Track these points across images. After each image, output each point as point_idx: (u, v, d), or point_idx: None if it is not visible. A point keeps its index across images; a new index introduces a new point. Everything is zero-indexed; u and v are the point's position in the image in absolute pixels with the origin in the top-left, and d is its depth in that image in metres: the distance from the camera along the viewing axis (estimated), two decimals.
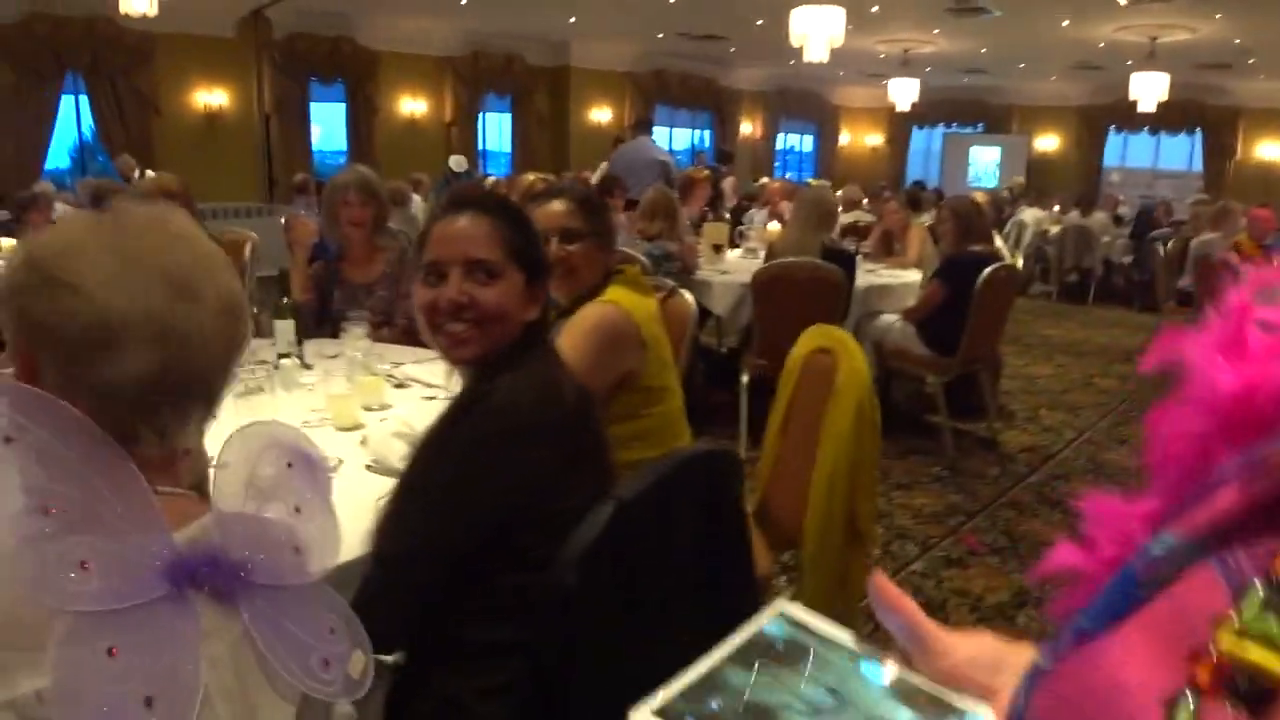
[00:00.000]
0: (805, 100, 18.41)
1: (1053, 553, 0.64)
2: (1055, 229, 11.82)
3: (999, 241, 6.09)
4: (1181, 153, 15.66)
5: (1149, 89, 12.24)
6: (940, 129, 18.42)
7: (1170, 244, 9.33)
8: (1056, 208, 12.91)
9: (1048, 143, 16.96)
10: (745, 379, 4.83)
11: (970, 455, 5.15)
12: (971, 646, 0.60)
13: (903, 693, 0.56)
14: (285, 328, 3.00)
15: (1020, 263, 5.96)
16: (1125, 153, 16.41)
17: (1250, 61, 13.16)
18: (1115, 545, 0.59)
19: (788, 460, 2.52)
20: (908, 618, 0.58)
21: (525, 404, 1.52)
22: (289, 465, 1.05)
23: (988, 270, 4.92)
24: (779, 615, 0.58)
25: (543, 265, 1.72)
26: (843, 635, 0.58)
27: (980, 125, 18.07)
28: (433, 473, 1.50)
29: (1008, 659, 0.59)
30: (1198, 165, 15.46)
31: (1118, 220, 12.47)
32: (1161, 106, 12.77)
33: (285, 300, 3.13)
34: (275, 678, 0.95)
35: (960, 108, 17.91)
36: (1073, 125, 16.75)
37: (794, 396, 2.54)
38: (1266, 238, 8.44)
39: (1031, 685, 0.50)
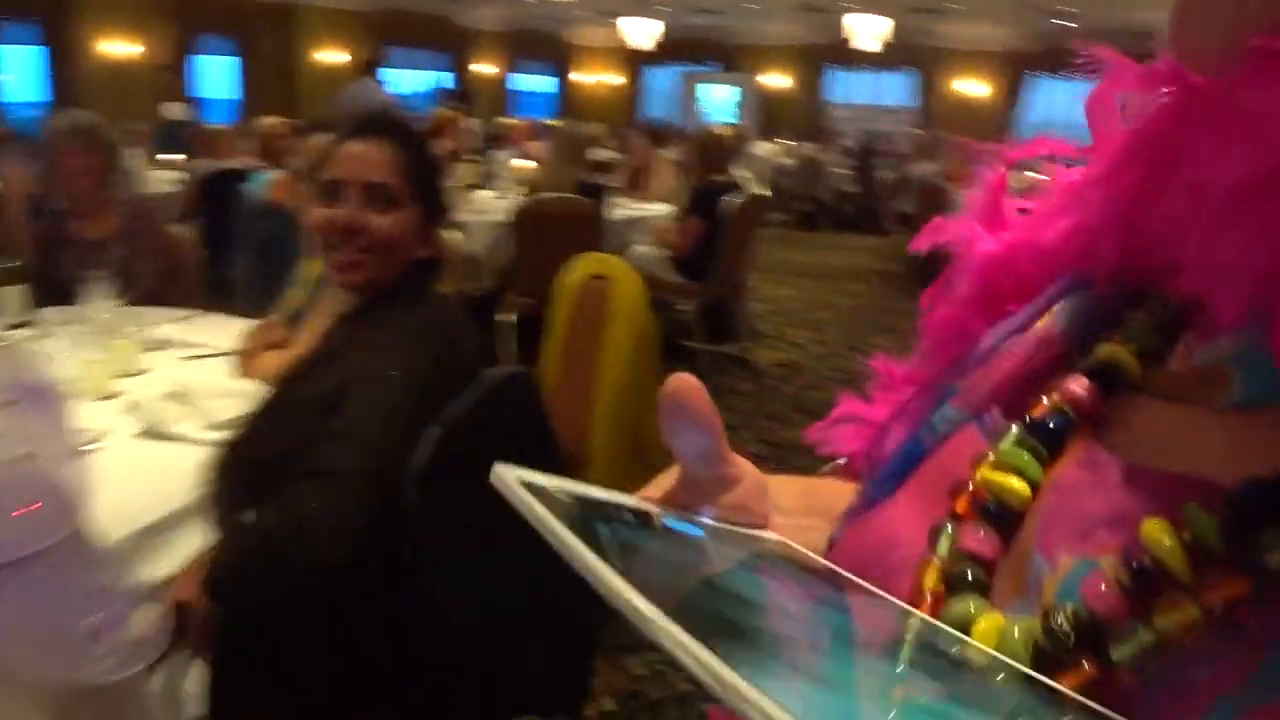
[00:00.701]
0: (543, 40, 18.32)
1: (840, 404, 0.70)
2: (788, 162, 12.48)
3: (742, 173, 6.39)
4: (898, 89, 16.82)
5: (866, 29, 13.02)
6: (677, 69, 18.85)
7: (891, 172, 10.09)
8: (785, 142, 13.63)
9: (777, 80, 17.75)
10: (513, 318, 4.84)
11: (726, 374, 5.43)
12: (749, 471, 0.50)
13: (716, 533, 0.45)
14: (11, 295, 2.73)
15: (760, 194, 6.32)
16: (848, 90, 17.42)
17: (956, 6, 14.23)
18: (890, 405, 0.63)
19: (568, 385, 2.57)
20: (715, 434, 0.46)
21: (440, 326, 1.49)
22: (13, 403, 0.87)
23: (740, 199, 5.16)
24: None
25: (442, 205, 1.65)
26: (603, 491, 0.45)
27: (716, 65, 18.63)
28: (375, 384, 1.39)
29: (765, 480, 0.51)
30: (912, 101, 16.67)
31: (844, 152, 13.31)
32: (881, 45, 13.63)
33: (8, 265, 2.84)
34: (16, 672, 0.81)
35: (697, 48, 18.37)
36: (798, 64, 17.60)
37: (570, 323, 2.58)
38: (975, 164, 9.33)
39: (827, 552, 0.51)
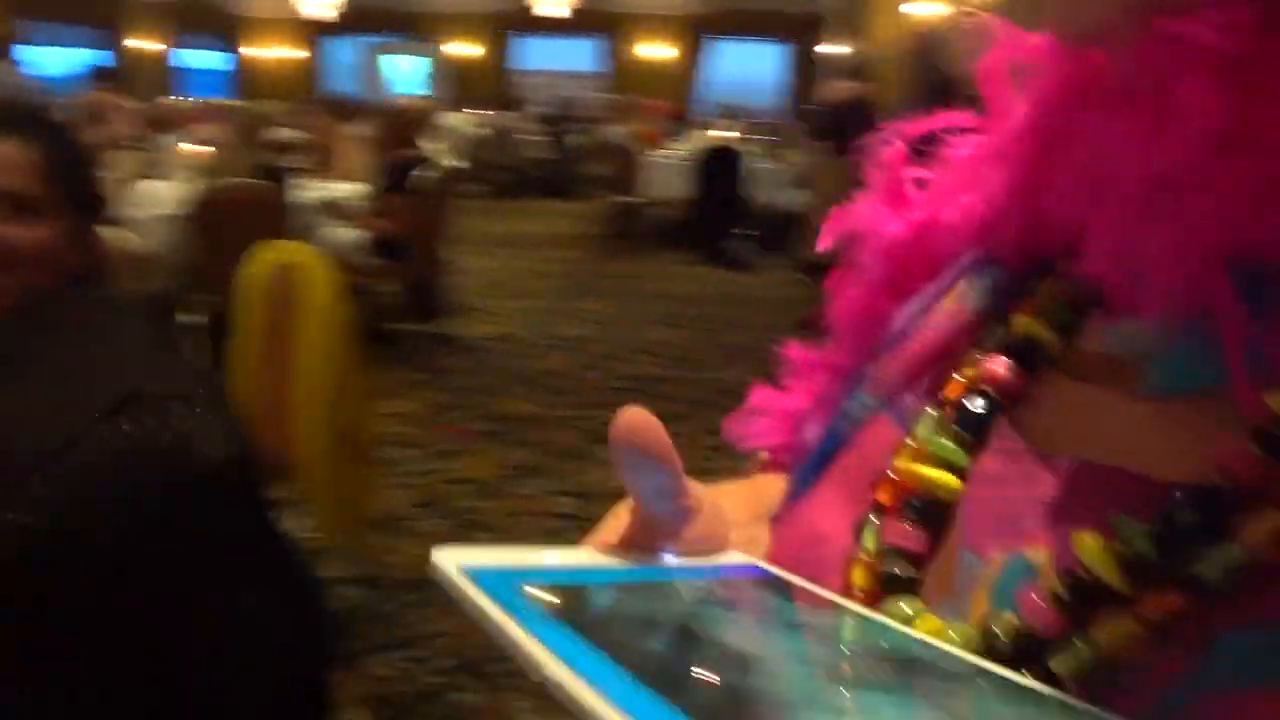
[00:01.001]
0: (210, 12, 17.00)
1: (754, 396, 0.66)
2: (482, 131, 12.37)
3: (433, 145, 6.25)
4: (584, 55, 17.06)
5: None
6: (360, 40, 18.12)
7: (584, 137, 10.24)
8: (475, 112, 13.50)
9: (465, 49, 17.49)
10: (203, 319, 4.46)
11: (438, 354, 5.32)
12: (704, 494, 0.44)
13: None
14: None
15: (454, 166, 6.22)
16: (537, 57, 17.46)
17: None
18: (804, 393, 0.61)
19: (263, 388, 2.38)
20: (675, 471, 0.40)
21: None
22: None
23: (433, 174, 5.04)
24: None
25: (96, 204, 1.43)
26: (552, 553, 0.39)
27: (400, 35, 18.06)
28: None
29: (717, 499, 0.46)
30: (599, 66, 16.97)
31: (537, 120, 13.36)
32: (573, 11, 13.71)
33: None
34: None
35: (380, 18, 17.70)
36: (485, 32, 17.41)
37: (258, 319, 2.40)
38: (664, 124, 9.65)
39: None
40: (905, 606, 0.37)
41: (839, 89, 5.92)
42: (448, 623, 2.67)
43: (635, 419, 0.39)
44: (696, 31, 16.60)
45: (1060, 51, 0.42)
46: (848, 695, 0.30)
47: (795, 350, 0.65)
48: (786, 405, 0.64)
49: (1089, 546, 0.33)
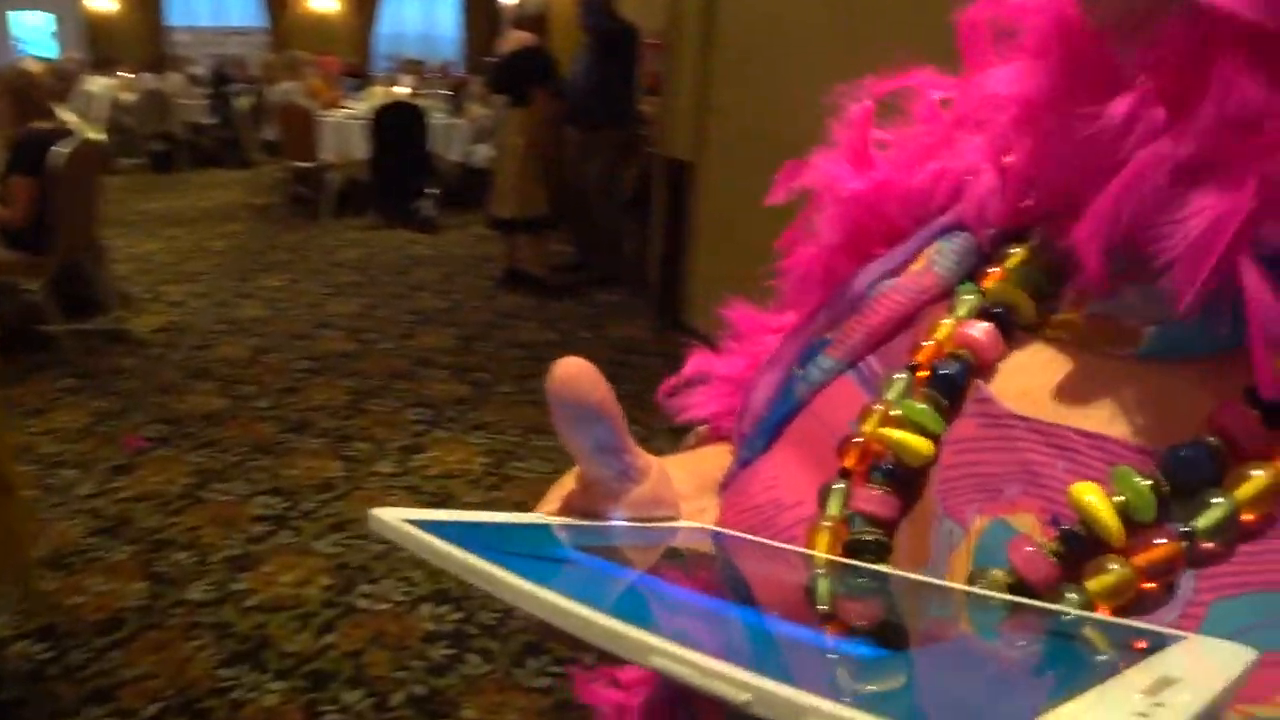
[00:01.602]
0: None
1: (691, 361, 0.63)
2: (129, 97, 11.17)
3: (70, 115, 5.52)
4: (244, 8, 15.85)
5: None
6: None
7: (249, 98, 9.50)
8: (123, 74, 12.19)
9: (102, 3, 15.73)
10: None
11: (101, 354, 4.75)
12: (651, 457, 0.44)
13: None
14: None
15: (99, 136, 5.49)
16: (189, 11, 16.03)
17: None
18: (746, 357, 0.59)
19: None
20: (616, 424, 0.39)
21: None
22: None
23: (67, 148, 4.43)
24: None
25: None
26: (499, 515, 0.39)
27: None
28: None
29: (658, 461, 0.45)
30: (261, 21, 15.83)
31: (194, 81, 12.26)
32: None
33: None
34: None
35: None
36: None
37: None
38: (339, 80, 9.14)
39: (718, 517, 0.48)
40: (874, 567, 0.37)
41: (516, 39, 5.81)
42: (154, 660, 2.41)
43: (570, 369, 0.38)
44: None
45: (1057, 17, 0.39)
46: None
47: (738, 311, 0.62)
48: (727, 370, 0.61)
49: (1086, 498, 0.33)
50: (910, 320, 0.45)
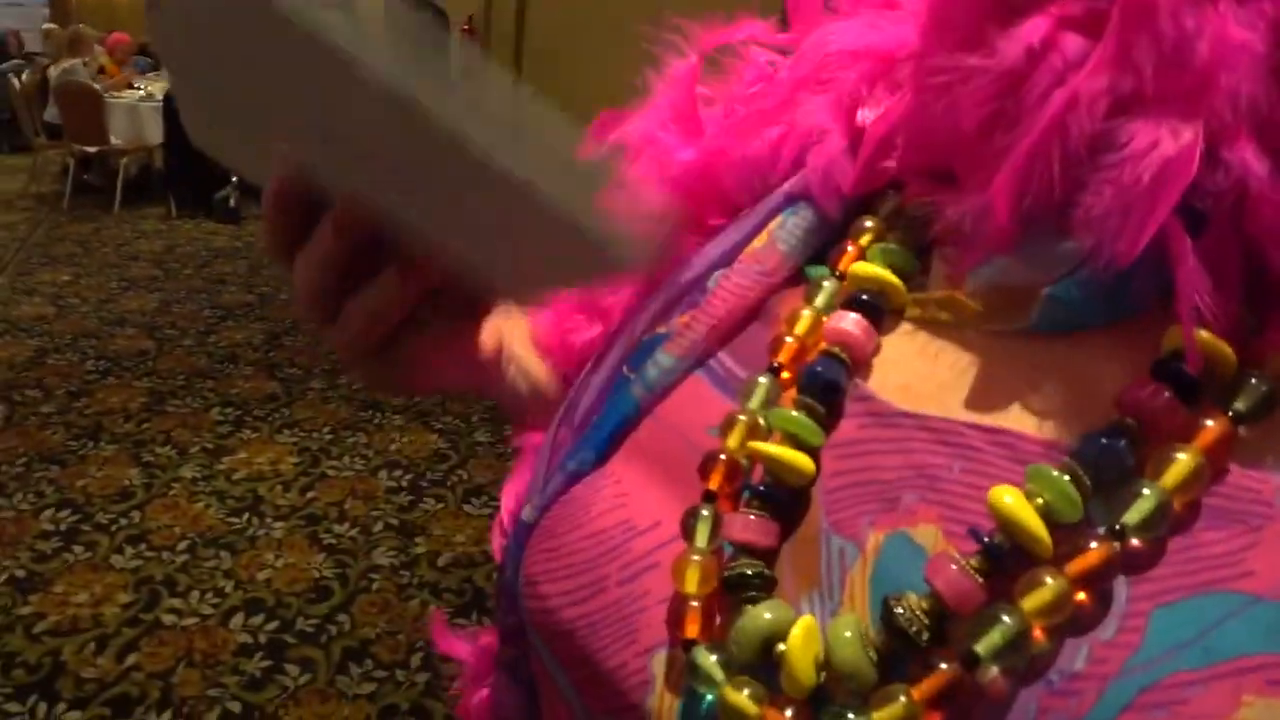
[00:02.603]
0: None
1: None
2: None
3: None
4: None
5: None
6: None
7: (27, 76, 8.75)
8: None
9: None
10: None
11: None
12: None
13: None
14: None
15: None
16: None
17: None
18: (569, 363, 0.53)
19: None
20: None
21: None
22: None
23: None
24: None
25: None
26: None
27: None
28: None
29: None
30: None
31: None
32: None
33: None
34: None
35: None
36: None
37: None
38: (128, 59, 8.54)
39: (522, 540, 0.41)
40: (767, 612, 0.31)
41: None
42: None
43: None
44: None
45: None
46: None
47: (540, 321, 0.55)
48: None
49: (1009, 504, 0.29)
50: (759, 309, 0.41)
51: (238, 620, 2.58)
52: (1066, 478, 0.29)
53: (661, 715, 0.34)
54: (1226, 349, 0.29)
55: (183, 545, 2.92)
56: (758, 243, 0.42)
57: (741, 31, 0.47)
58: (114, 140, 7.51)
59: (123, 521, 3.04)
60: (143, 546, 2.91)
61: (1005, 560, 0.29)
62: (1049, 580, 0.28)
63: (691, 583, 0.34)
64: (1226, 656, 0.26)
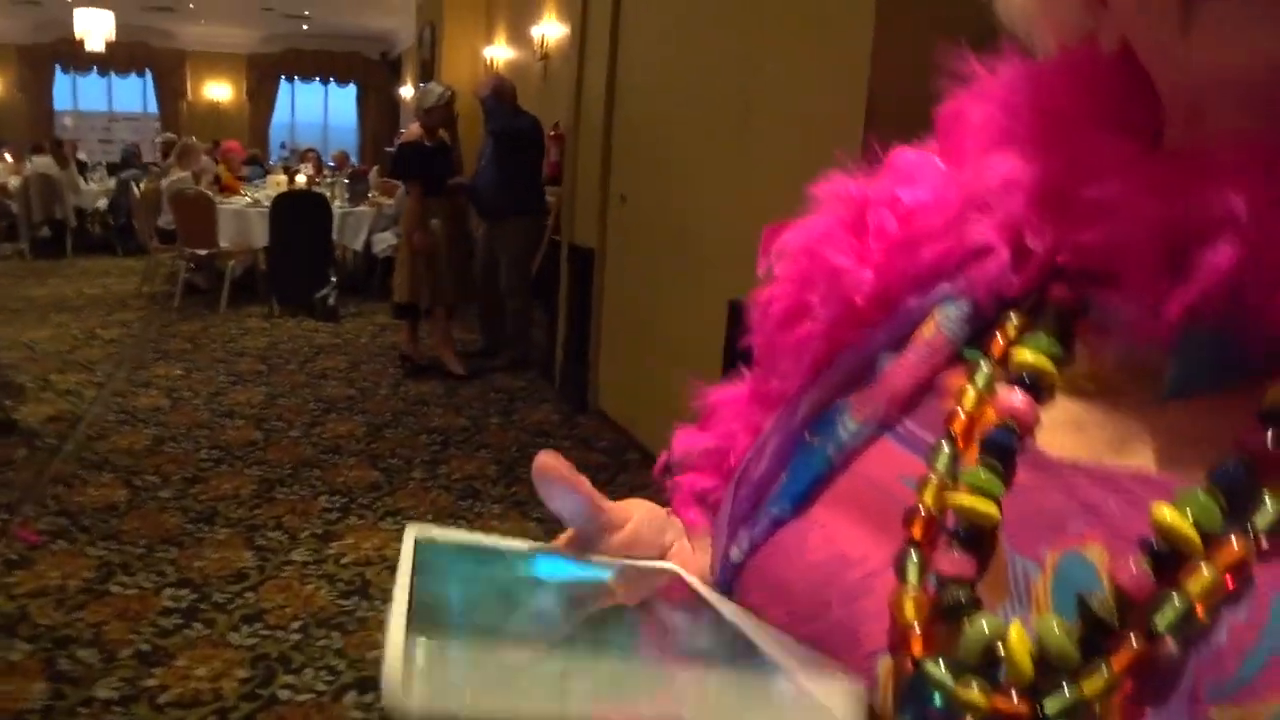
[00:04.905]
0: None
1: (677, 439, 0.66)
2: (15, 180, 10.86)
3: None
4: (135, 94, 15.62)
5: (95, 26, 11.76)
6: None
7: (144, 184, 9.34)
8: (8, 158, 11.86)
9: None
10: None
11: None
12: (638, 510, 0.56)
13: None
14: None
15: None
16: (76, 95, 15.71)
17: (191, 6, 13.57)
18: (738, 426, 0.62)
19: None
20: (584, 491, 0.52)
21: None
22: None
23: None
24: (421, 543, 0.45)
25: None
26: (507, 541, 0.51)
27: None
28: None
29: (663, 515, 0.58)
30: (153, 107, 15.61)
31: (81, 166, 11.99)
32: (110, 47, 12.42)
33: None
34: None
35: None
36: (15, 65, 15.35)
37: None
38: (241, 168, 9.07)
39: (730, 577, 0.51)
40: (984, 622, 0.39)
41: (415, 131, 5.92)
42: None
43: (543, 458, 0.50)
44: (261, 70, 15.85)
45: (1043, 110, 0.47)
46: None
47: (715, 390, 0.65)
48: (711, 444, 0.64)
49: (1168, 515, 0.37)
50: (930, 383, 0.49)
51: (350, 697, 2.66)
52: (1207, 495, 0.37)
53: (885, 716, 0.42)
54: None
55: (296, 625, 3.03)
56: (926, 331, 0.50)
57: (901, 158, 0.55)
58: (222, 244, 7.94)
59: (238, 601, 3.17)
60: (259, 624, 3.03)
61: (1166, 561, 0.36)
62: (1205, 571, 0.35)
63: (910, 612, 0.41)
64: None
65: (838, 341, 0.53)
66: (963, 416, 0.46)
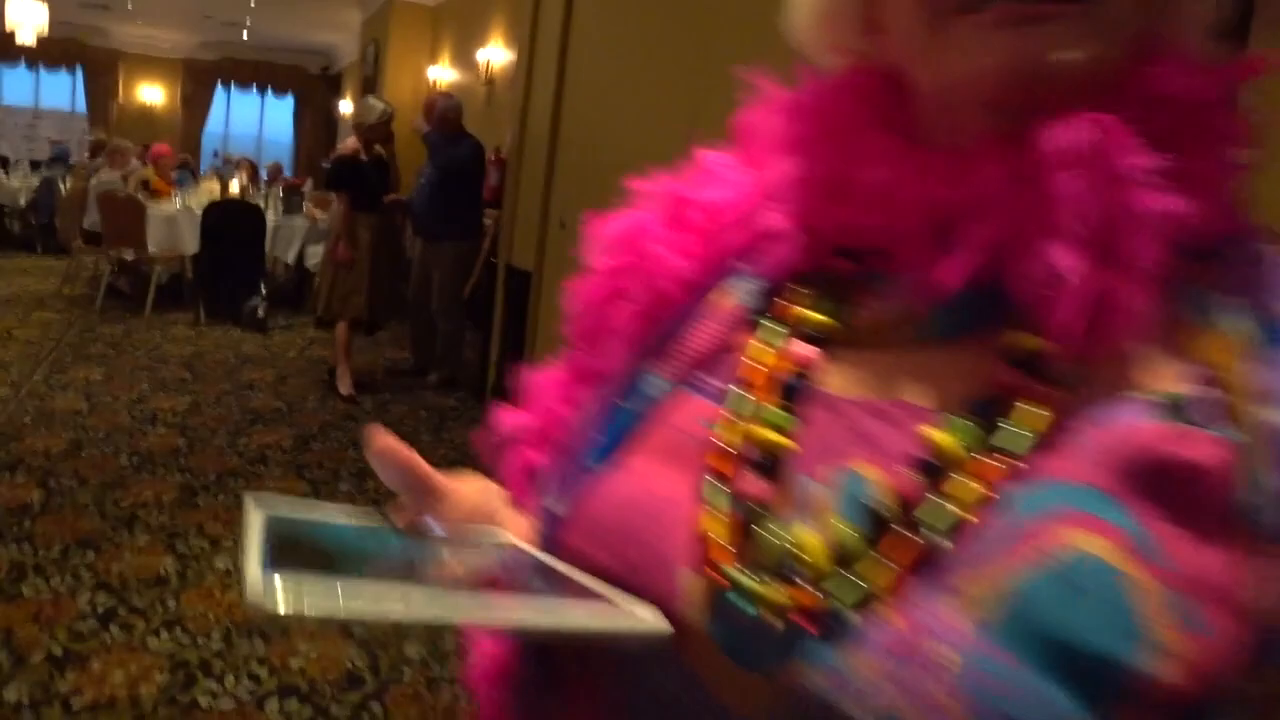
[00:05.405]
0: None
1: (501, 419, 0.71)
2: None
3: None
4: (63, 91, 15.24)
5: (28, 19, 11.44)
6: None
7: (70, 183, 9.12)
8: None
9: None
10: None
11: None
12: (469, 483, 0.63)
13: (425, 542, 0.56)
14: None
15: None
16: (1, 89, 15.27)
17: (129, 6, 13.33)
18: (560, 402, 0.67)
19: None
20: (414, 466, 0.59)
21: None
22: None
23: None
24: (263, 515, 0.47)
25: None
26: (346, 510, 0.54)
27: None
28: None
29: (493, 487, 0.65)
30: (81, 105, 15.25)
31: (3, 162, 11.67)
32: (42, 41, 12.11)
33: None
34: None
35: None
36: None
37: None
38: (171, 173, 8.90)
39: (552, 530, 0.56)
40: (782, 531, 0.47)
41: (352, 145, 5.89)
42: None
43: (374, 437, 0.58)
44: (197, 76, 15.61)
45: (828, 114, 0.55)
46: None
47: (535, 373, 0.70)
48: (535, 423, 0.69)
49: (936, 434, 0.45)
50: (727, 344, 0.56)
51: (273, 704, 2.64)
52: (963, 420, 0.45)
53: (692, 624, 0.48)
54: (1049, 345, 0.45)
55: (217, 632, 2.99)
56: (725, 303, 0.58)
57: (707, 160, 0.65)
58: (150, 248, 7.78)
59: (158, 607, 3.12)
60: (178, 631, 2.98)
61: (932, 473, 0.45)
62: (965, 479, 0.44)
63: (714, 529, 0.48)
64: (1048, 510, 0.42)
65: (653, 322, 0.61)
66: (756, 367, 0.54)
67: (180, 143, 14.38)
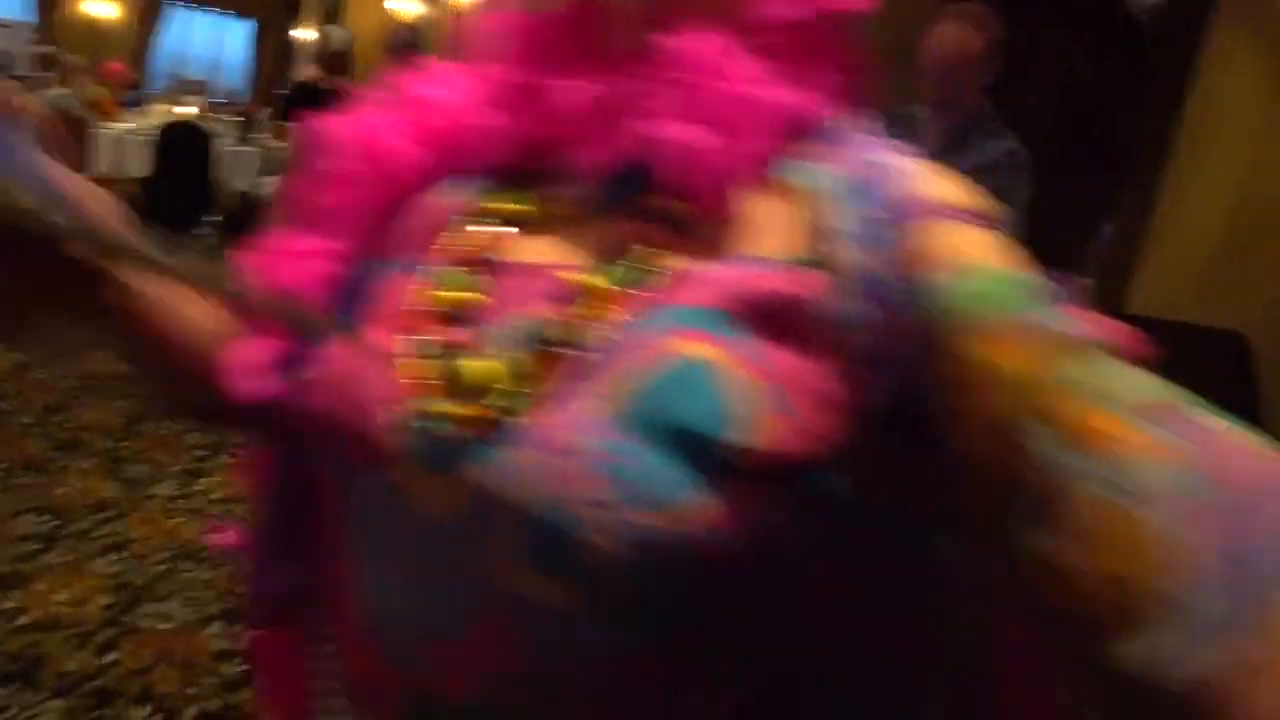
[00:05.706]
0: None
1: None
2: None
3: None
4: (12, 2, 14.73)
5: None
6: None
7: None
8: None
9: None
10: None
11: None
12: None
13: None
14: None
15: None
16: None
17: None
18: (301, 276, 0.71)
19: None
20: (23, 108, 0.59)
21: None
22: None
23: None
24: None
25: None
26: None
27: None
28: None
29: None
30: (32, 16, 14.74)
31: None
32: None
33: None
34: None
35: None
36: None
37: None
38: (124, 93, 8.67)
39: (299, 394, 0.64)
40: (468, 362, 0.57)
41: (312, 74, 5.81)
42: None
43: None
44: None
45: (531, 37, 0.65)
46: None
47: (268, 244, 0.74)
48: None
49: (591, 278, 0.58)
50: (438, 230, 0.66)
51: (215, 627, 2.70)
52: (604, 265, 0.59)
53: (396, 447, 0.57)
54: (683, 206, 0.59)
55: (161, 556, 3.03)
56: (444, 195, 0.68)
57: (436, 67, 0.73)
58: (97, 170, 7.60)
59: (102, 530, 3.14)
60: (123, 554, 3.01)
61: (586, 305, 0.57)
62: (611, 308, 0.57)
63: (427, 369, 0.58)
64: (670, 326, 0.54)
65: (378, 211, 0.69)
66: (461, 248, 0.64)
67: (130, 62, 13.98)
